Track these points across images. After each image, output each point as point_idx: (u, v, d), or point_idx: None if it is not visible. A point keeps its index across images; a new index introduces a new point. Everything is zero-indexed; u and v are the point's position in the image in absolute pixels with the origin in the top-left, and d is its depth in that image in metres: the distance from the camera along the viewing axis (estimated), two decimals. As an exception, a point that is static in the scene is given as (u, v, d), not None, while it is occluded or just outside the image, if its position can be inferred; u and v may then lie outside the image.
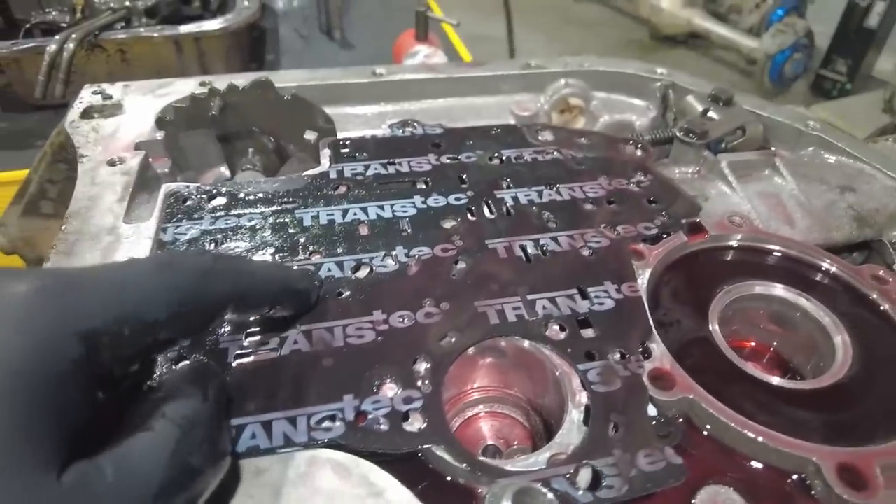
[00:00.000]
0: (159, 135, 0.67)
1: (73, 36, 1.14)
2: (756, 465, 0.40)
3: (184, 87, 0.75)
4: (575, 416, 0.42)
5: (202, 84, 0.74)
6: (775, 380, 0.45)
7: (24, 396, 0.26)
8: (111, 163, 0.63)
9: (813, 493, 0.39)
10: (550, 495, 0.35)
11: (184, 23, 1.29)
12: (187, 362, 0.40)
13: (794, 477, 0.40)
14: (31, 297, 0.29)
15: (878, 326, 0.49)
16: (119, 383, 0.32)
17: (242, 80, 0.70)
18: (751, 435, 0.40)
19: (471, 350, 0.45)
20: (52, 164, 0.74)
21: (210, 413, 0.34)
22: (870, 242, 0.62)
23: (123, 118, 0.71)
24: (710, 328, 0.49)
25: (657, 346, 0.45)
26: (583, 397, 0.42)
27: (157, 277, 0.34)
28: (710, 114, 0.72)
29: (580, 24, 4.70)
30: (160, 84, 0.76)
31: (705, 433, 0.42)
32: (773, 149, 0.72)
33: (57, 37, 1.14)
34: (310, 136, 0.66)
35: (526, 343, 0.46)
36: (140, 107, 0.72)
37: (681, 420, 0.42)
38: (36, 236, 0.76)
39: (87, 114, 0.71)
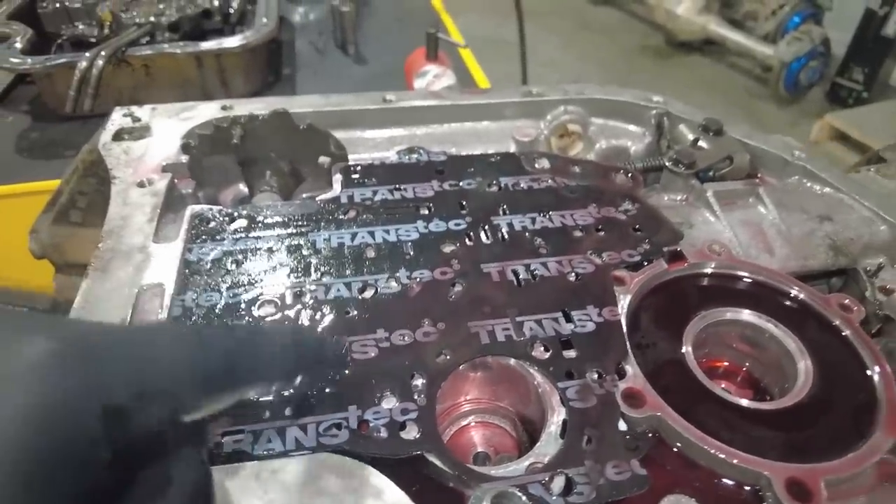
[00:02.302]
0: (184, 158, 0.73)
1: (103, 52, 1.20)
2: (717, 477, 0.45)
3: (206, 111, 0.80)
4: (553, 428, 0.46)
5: (223, 108, 0.80)
6: (739, 400, 0.50)
7: (30, 475, 0.24)
8: (140, 184, 0.69)
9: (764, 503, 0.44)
10: (525, 499, 0.40)
11: (205, 37, 1.35)
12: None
13: (748, 489, 0.44)
14: (49, 362, 0.26)
15: (839, 352, 0.53)
16: (133, 459, 0.30)
17: (261, 106, 0.75)
18: (710, 450, 0.45)
19: (462, 367, 0.50)
20: (82, 178, 0.81)
21: (208, 476, 0.33)
22: (846, 270, 0.66)
23: (151, 140, 0.76)
24: (684, 350, 0.53)
25: (631, 367, 0.50)
26: (561, 412, 0.47)
27: (186, 351, 0.32)
28: (700, 143, 0.76)
29: (596, 29, 4.72)
30: (184, 107, 0.82)
31: (674, 448, 0.46)
32: (759, 177, 0.76)
33: (87, 53, 1.20)
34: (323, 160, 0.71)
35: (512, 361, 0.51)
36: (166, 129, 0.78)
37: (650, 435, 0.47)
38: (64, 243, 0.82)
39: (118, 136, 0.77)
